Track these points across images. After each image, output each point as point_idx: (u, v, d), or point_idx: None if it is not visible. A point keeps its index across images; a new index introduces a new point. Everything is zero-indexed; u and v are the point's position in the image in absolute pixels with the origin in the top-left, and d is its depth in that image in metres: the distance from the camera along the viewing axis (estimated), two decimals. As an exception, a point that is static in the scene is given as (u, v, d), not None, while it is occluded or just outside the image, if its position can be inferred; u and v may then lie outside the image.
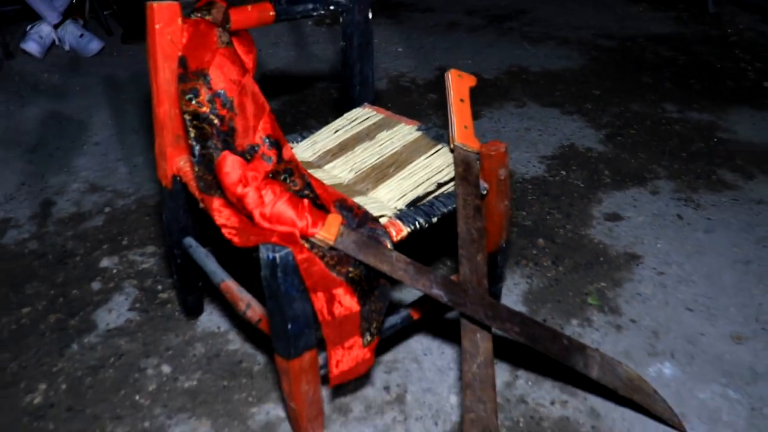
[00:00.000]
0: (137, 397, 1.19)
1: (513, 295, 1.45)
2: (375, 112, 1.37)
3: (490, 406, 1.04)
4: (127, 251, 1.58)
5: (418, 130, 1.29)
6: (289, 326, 0.96)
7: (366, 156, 1.24)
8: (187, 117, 1.04)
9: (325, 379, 1.07)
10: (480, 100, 2.39)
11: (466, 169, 1.17)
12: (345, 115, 1.38)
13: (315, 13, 1.28)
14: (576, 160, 1.98)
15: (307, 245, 0.94)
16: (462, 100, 1.23)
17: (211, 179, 1.01)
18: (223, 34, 1.10)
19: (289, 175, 1.04)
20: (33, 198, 1.81)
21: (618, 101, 2.37)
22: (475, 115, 2.25)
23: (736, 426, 1.16)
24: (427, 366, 1.27)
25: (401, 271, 1.01)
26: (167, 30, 1.07)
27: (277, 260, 0.90)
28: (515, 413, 1.18)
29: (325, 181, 1.16)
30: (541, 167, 1.95)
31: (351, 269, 0.98)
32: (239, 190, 0.94)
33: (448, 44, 3.04)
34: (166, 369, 1.25)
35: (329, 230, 0.96)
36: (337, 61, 2.81)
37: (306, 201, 0.97)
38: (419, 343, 1.32)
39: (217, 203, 0.98)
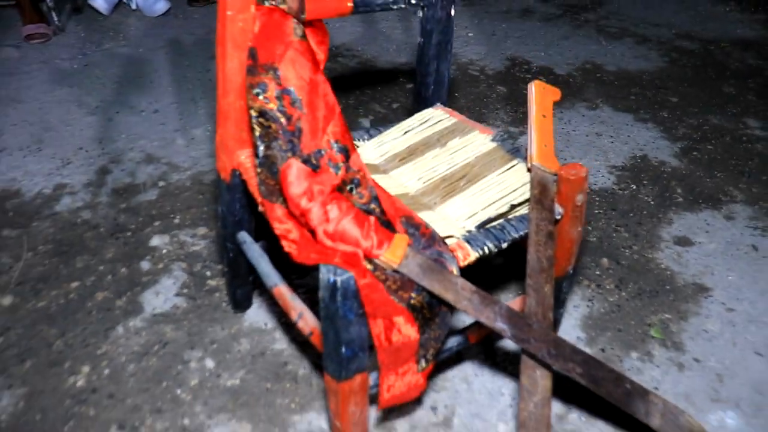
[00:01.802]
0: (179, 392, 1.17)
1: (572, 318, 1.39)
2: (448, 115, 1.30)
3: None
4: (179, 231, 1.56)
5: (493, 140, 1.22)
6: (343, 350, 0.91)
7: (436, 164, 1.18)
8: (253, 113, 0.99)
9: (373, 399, 1.03)
10: (549, 96, 2.29)
11: (542, 191, 1.09)
12: (416, 115, 1.31)
13: (395, 6, 1.21)
14: (648, 173, 1.88)
15: (370, 267, 0.89)
16: (544, 116, 1.15)
17: (274, 184, 0.96)
18: (297, 26, 1.04)
19: (356, 186, 0.98)
20: (89, 165, 1.79)
21: (696, 111, 2.24)
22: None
23: (802, 492, 1.09)
24: (477, 388, 1.22)
25: (465, 301, 0.95)
26: (239, 17, 1.02)
27: (338, 284, 0.85)
28: (565, 450, 1.13)
29: (391, 190, 1.11)
30: (611, 178, 1.85)
31: (414, 295, 0.93)
32: (303, 203, 0.89)
33: (521, 33, 2.92)
34: (209, 363, 1.23)
35: (395, 252, 0.91)
36: (406, 42, 2.73)
37: (372, 218, 0.92)
38: (470, 363, 1.27)
39: (278, 212, 0.94)
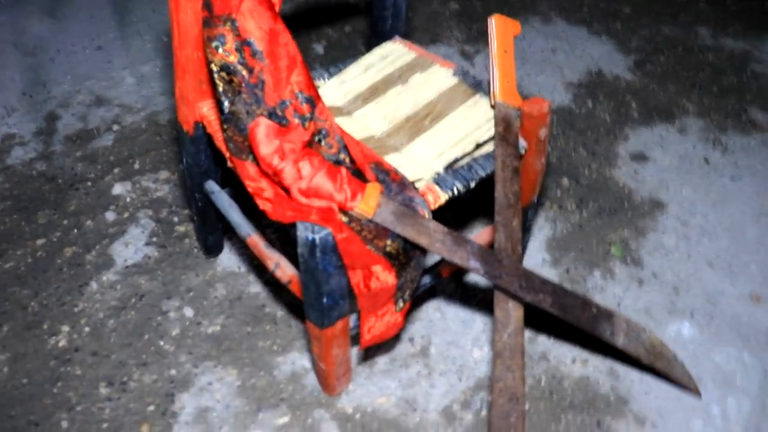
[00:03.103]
0: (161, 343, 1.19)
1: (537, 240, 1.44)
2: (407, 49, 1.28)
3: (518, 374, 1.04)
4: (140, 176, 1.53)
5: (454, 74, 1.21)
6: (325, 300, 0.94)
7: (400, 103, 1.17)
8: (213, 67, 0.96)
9: (354, 339, 1.07)
10: (504, 10, 2.26)
11: (506, 128, 1.11)
12: (375, 50, 1.29)
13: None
14: (603, 89, 1.90)
15: (345, 219, 0.91)
16: (505, 52, 1.15)
17: (242, 141, 0.95)
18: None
19: (324, 137, 0.98)
20: (36, 111, 1.72)
21: (649, 22, 2.25)
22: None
23: (749, 391, 1.19)
24: (450, 317, 1.27)
25: (439, 243, 0.98)
26: (187, -34, 0.98)
27: (317, 241, 0.87)
28: (537, 370, 1.20)
29: (357, 133, 1.11)
30: (568, 96, 1.87)
31: (389, 242, 0.95)
32: (275, 163, 0.89)
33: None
34: (188, 312, 1.24)
35: (368, 203, 0.92)
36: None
37: (344, 170, 0.93)
38: (442, 295, 1.32)
39: (250, 170, 0.93)
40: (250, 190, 0.93)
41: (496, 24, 1.16)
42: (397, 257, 0.96)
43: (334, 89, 1.22)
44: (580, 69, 1.99)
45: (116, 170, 1.54)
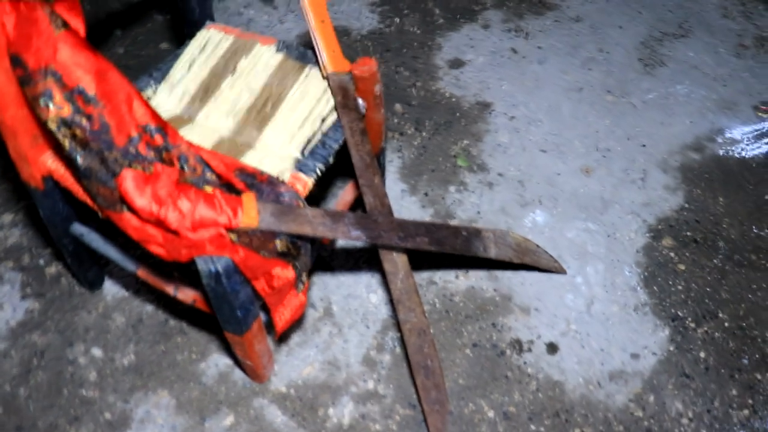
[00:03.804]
0: (83, 391, 1.18)
1: (390, 174, 1.54)
2: (223, 33, 1.27)
3: (418, 310, 1.17)
4: (-25, 227, 1.44)
5: (278, 51, 1.23)
6: (239, 313, 0.99)
7: (235, 95, 1.18)
8: (51, 126, 0.92)
9: (268, 328, 1.13)
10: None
11: (344, 95, 1.16)
12: (191, 42, 1.27)
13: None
14: (405, 1, 1.97)
15: (233, 236, 0.95)
16: (323, 21, 1.18)
17: (110, 193, 0.94)
18: (53, 16, 0.95)
19: (185, 162, 0.99)
20: None
21: None
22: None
23: (599, 255, 1.40)
24: (339, 273, 1.36)
25: (321, 227, 1.04)
26: (-22, 24, 0.91)
27: (220, 270, 0.91)
28: (429, 295, 1.34)
29: (206, 140, 1.12)
30: (374, 17, 1.93)
31: (278, 242, 1.00)
32: (155, 210, 0.90)
33: None
34: (97, 352, 1.24)
35: (249, 214, 0.96)
36: None
37: (218, 192, 0.95)
38: (323, 250, 1.40)
39: (132, 221, 0.93)
40: (136, 239, 0.94)
41: (308, -5, 1.18)
42: (289, 253, 1.02)
43: (165, 97, 1.20)
44: (379, -15, 2.04)
45: (-56, 228, 1.44)
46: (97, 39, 1.88)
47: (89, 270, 1.28)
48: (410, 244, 1.15)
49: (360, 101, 1.18)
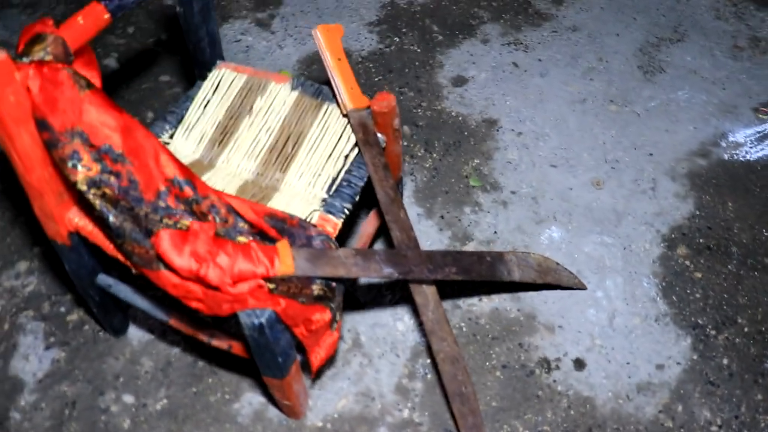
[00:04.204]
0: (117, 442, 1.20)
1: (405, 198, 1.55)
2: (236, 72, 1.28)
3: (450, 339, 1.19)
4: (-5, 277, 1.44)
5: (293, 88, 1.24)
6: (279, 359, 1.01)
7: (254, 136, 1.19)
8: (81, 187, 0.93)
9: (304, 366, 1.14)
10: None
11: (365, 132, 1.18)
12: (204, 83, 1.27)
13: (147, -5, 1.13)
14: (403, 19, 1.99)
15: (272, 286, 0.96)
16: (339, 59, 1.20)
17: (146, 252, 0.95)
18: (76, 76, 0.96)
19: (216, 213, 1.01)
20: None
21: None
22: (283, -15, 2.12)
23: (616, 267, 1.43)
24: (362, 300, 1.38)
25: (354, 267, 1.06)
26: (6, 91, 0.91)
27: (264, 323, 0.92)
28: (455, 319, 1.35)
29: (231, 185, 1.13)
30: (373, 38, 1.94)
31: (315, 287, 1.01)
32: (195, 269, 0.91)
33: None
34: (128, 399, 1.25)
35: (285, 262, 0.97)
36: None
37: (253, 244, 0.97)
38: (351, 286, 1.41)
39: (170, 278, 0.94)
40: (176, 295, 0.95)
41: (321, 35, 1.19)
42: (325, 296, 1.04)
43: (183, 141, 1.20)
44: (374, 5, 2.04)
45: (-34, 280, 1.44)
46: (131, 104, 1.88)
47: (114, 317, 1.29)
48: (440, 275, 1.17)
49: (380, 136, 1.19)
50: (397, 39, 1.93)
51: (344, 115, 1.19)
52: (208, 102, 1.24)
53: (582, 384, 1.26)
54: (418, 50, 1.89)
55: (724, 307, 1.36)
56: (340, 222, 1.08)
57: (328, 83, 1.22)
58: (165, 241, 0.91)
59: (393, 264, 1.11)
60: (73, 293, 1.39)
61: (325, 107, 1.21)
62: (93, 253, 1.14)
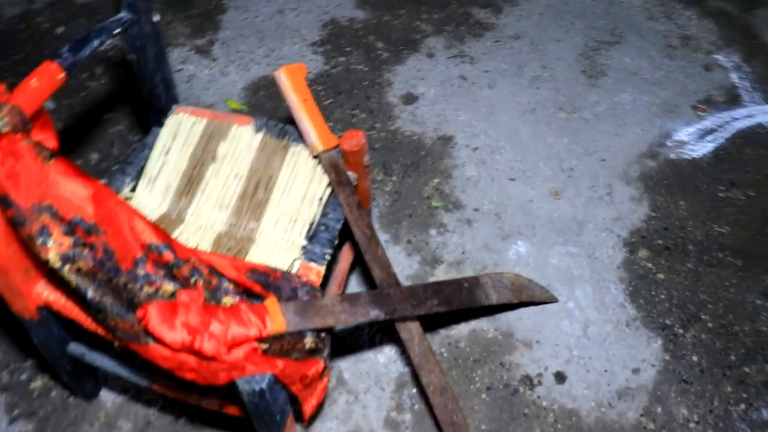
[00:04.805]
0: None
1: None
2: (194, 117, 1.24)
3: (437, 370, 1.20)
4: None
5: (257, 131, 1.21)
6: (277, 417, 0.99)
7: (222, 183, 1.16)
8: (54, 264, 0.89)
9: (296, 415, 1.13)
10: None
11: (337, 172, 1.17)
12: (163, 130, 1.23)
13: (103, 46, 1.08)
14: (346, 38, 1.97)
15: (264, 345, 0.95)
16: (306, 100, 1.18)
17: (131, 326, 0.91)
18: (38, 148, 0.91)
19: (200, 275, 0.98)
20: None
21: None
22: (221, 8, 2.07)
23: (584, 276, 1.47)
24: (340, 336, 1.37)
25: (342, 315, 1.05)
26: (-38, 170, 0.87)
27: (264, 389, 0.90)
28: (435, 346, 1.36)
29: (204, 240, 1.10)
30: (318, 59, 1.92)
31: (307, 341, 1.00)
32: (188, 341, 0.88)
33: None
34: (110, 467, 1.21)
35: (276, 320, 0.96)
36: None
37: (241, 304, 0.95)
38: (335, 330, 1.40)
39: (160, 351, 0.91)
40: (165, 367, 0.92)
41: (286, 77, 1.17)
42: (317, 348, 1.03)
43: (147, 194, 1.16)
44: (315, 24, 2.02)
45: None
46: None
47: (86, 383, 1.24)
48: (423, 310, 1.17)
49: (351, 174, 1.19)
50: (342, 59, 1.91)
51: (314, 157, 1.17)
52: (169, 150, 1.21)
53: (565, 397, 1.30)
54: (365, 69, 1.88)
55: (688, 305, 1.42)
56: (322, 269, 1.07)
57: (289, 121, 1.21)
58: (154, 317, 0.88)
59: (378, 305, 1.11)
60: (35, 358, 1.33)
61: (292, 148, 1.19)
62: (62, 323, 1.09)
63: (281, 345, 0.96)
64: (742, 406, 1.30)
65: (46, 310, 1.03)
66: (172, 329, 0.88)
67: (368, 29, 2.00)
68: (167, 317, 0.89)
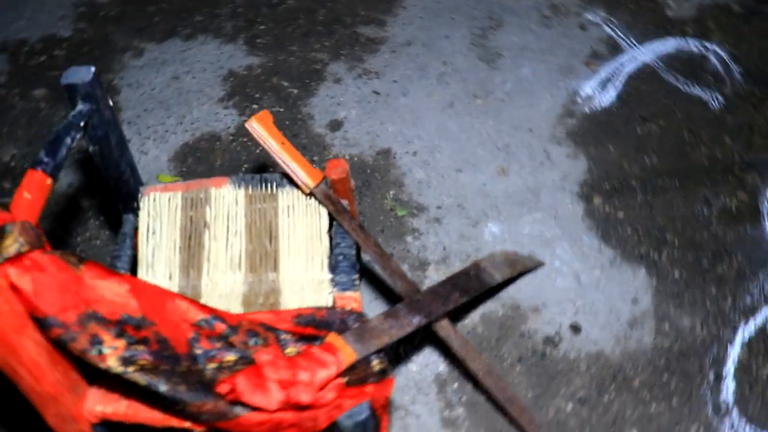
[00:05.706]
0: None
1: (349, 250, 1.58)
2: (168, 192, 1.22)
3: (479, 356, 1.25)
4: None
5: (238, 187, 1.21)
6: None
7: (224, 246, 1.15)
8: (116, 371, 0.85)
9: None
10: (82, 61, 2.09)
11: (332, 202, 1.19)
12: (140, 213, 1.19)
13: (75, 143, 1.05)
14: (250, 86, 1.97)
15: (346, 380, 0.96)
16: (283, 143, 1.19)
17: (213, 405, 0.89)
18: (65, 256, 0.88)
19: (257, 336, 0.97)
20: None
21: None
22: (114, 89, 2.00)
23: (557, 236, 1.57)
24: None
25: (393, 330, 1.07)
26: (-3, 301, 0.82)
27: (365, 419, 0.91)
28: (456, 340, 1.41)
29: (230, 305, 1.09)
30: (232, 112, 1.91)
31: (374, 363, 1.02)
32: (284, 398, 0.87)
33: None
34: None
35: (346, 352, 0.97)
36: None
37: (311, 348, 0.96)
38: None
39: (254, 417, 0.90)
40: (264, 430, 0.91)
41: (258, 125, 1.18)
42: (385, 368, 1.05)
43: (151, 280, 1.13)
44: (217, 82, 2.00)
45: None
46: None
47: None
48: (451, 305, 1.22)
49: (343, 202, 1.22)
50: (255, 106, 1.92)
51: (308, 194, 1.19)
52: (155, 231, 1.18)
53: (587, 343, 1.39)
54: (282, 109, 1.90)
55: (653, 232, 1.57)
56: (358, 294, 1.09)
57: (253, 170, 1.22)
58: (243, 387, 0.87)
59: (416, 312, 1.14)
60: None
61: (281, 193, 1.21)
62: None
63: (357, 374, 0.98)
64: (729, 299, 1.45)
65: (101, 426, 0.98)
66: (266, 392, 0.88)
67: (268, 72, 2.01)
68: (257, 382, 0.88)
